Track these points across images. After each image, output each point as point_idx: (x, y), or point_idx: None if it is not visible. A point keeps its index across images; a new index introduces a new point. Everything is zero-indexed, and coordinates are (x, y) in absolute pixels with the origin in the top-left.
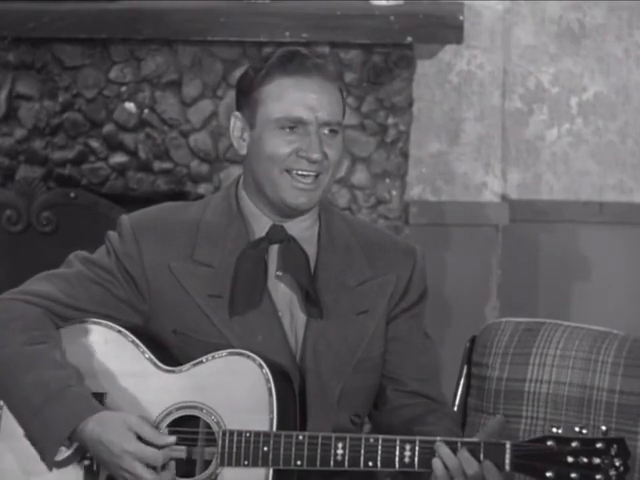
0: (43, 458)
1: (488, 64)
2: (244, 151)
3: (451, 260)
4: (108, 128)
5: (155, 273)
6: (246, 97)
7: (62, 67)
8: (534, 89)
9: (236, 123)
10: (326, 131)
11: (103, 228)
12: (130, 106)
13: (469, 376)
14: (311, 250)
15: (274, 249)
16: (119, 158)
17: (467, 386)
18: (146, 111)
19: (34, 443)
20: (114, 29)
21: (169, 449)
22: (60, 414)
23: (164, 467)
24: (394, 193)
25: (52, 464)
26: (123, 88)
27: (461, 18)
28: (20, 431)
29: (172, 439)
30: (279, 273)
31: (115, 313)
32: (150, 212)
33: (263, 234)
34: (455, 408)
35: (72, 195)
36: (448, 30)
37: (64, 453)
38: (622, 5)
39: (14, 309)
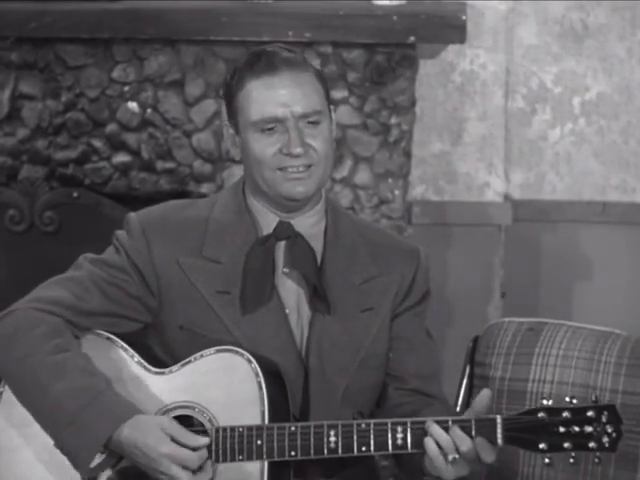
0: (77, 466)
1: (491, 64)
2: (238, 157)
3: (454, 260)
4: (111, 128)
5: (164, 269)
6: (229, 106)
7: (65, 67)
8: (537, 89)
9: (228, 131)
10: (306, 123)
11: (106, 228)
12: (133, 106)
13: (472, 376)
14: (317, 247)
15: (281, 246)
16: (122, 158)
17: (470, 386)
18: (149, 111)
19: (67, 452)
20: (117, 29)
21: (204, 451)
22: (96, 421)
23: (200, 468)
24: (397, 193)
25: (87, 472)
26: (126, 88)
27: (464, 18)
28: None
29: (206, 440)
30: (286, 270)
31: (128, 312)
32: (158, 209)
33: (270, 231)
34: (458, 408)
35: (75, 195)
36: (451, 30)
37: (97, 459)
38: (625, 5)
39: (32, 318)
